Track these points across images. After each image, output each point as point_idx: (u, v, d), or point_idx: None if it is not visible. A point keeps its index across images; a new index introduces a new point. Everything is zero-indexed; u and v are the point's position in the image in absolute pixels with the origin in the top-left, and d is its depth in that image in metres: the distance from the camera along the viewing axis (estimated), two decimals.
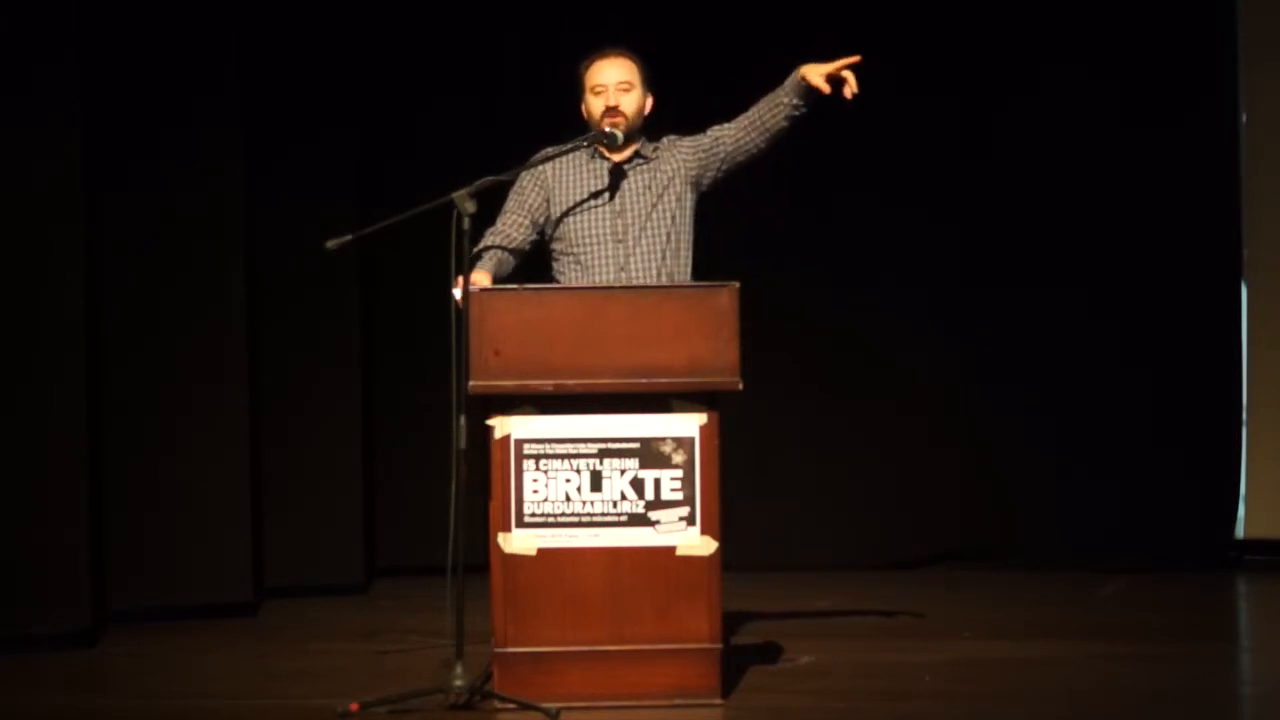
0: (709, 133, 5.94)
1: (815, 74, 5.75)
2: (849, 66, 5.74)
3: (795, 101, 5.80)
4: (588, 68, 5.89)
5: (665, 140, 5.96)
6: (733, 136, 5.90)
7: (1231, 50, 8.51)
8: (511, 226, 5.90)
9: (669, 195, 5.87)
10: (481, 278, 5.65)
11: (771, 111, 5.85)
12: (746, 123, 5.89)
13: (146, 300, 7.17)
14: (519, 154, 5.91)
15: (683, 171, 5.89)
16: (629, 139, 5.86)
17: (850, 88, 5.75)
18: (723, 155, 5.91)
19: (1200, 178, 8.44)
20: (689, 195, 5.91)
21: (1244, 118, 8.54)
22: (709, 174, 5.93)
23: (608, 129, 5.81)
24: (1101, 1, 8.51)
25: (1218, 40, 8.49)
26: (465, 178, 5.52)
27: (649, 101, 5.91)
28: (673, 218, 5.87)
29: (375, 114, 8.25)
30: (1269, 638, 7.20)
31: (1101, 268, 8.48)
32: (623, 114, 5.83)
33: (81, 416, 6.61)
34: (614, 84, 5.84)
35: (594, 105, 5.86)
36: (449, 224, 5.39)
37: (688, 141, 5.94)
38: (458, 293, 5.41)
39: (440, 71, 8.45)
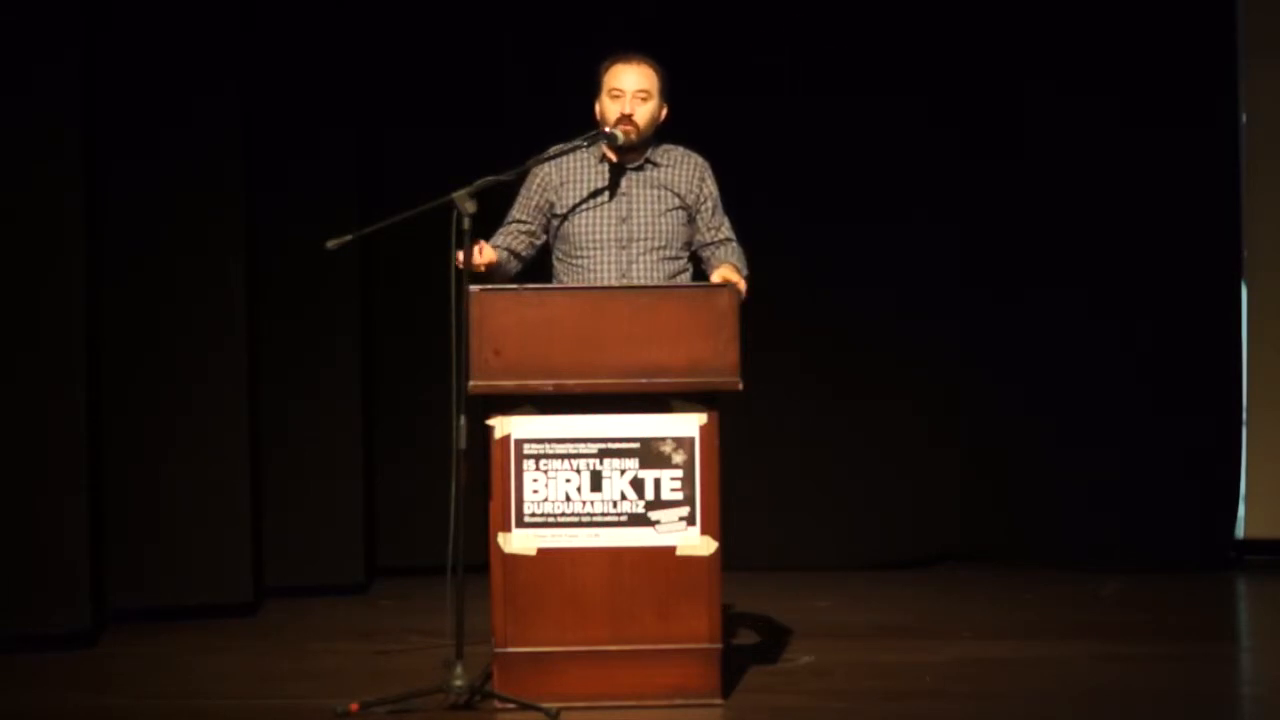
0: (711, 219, 5.87)
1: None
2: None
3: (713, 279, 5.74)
4: (608, 68, 5.80)
5: (680, 151, 5.90)
6: (701, 243, 5.88)
7: (1231, 50, 8.49)
8: (521, 231, 5.87)
9: (677, 207, 5.84)
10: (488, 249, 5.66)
11: (706, 267, 5.86)
12: (706, 254, 5.87)
13: (146, 300, 7.17)
14: (519, 154, 5.90)
15: (688, 199, 5.84)
16: (639, 146, 5.81)
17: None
18: (696, 236, 5.89)
19: (1200, 178, 8.43)
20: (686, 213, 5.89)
21: (1244, 118, 8.53)
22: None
23: (609, 130, 5.76)
24: (1101, 3, 8.50)
25: (1218, 40, 8.48)
26: (465, 178, 5.53)
27: (664, 112, 5.83)
28: (678, 227, 5.84)
29: (375, 114, 8.24)
30: (1269, 638, 7.20)
31: (1102, 268, 8.47)
32: (635, 124, 5.74)
33: (81, 416, 6.60)
34: (632, 91, 5.76)
35: (609, 109, 5.79)
36: (449, 224, 5.40)
37: (704, 186, 5.87)
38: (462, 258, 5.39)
39: (440, 71, 8.44)
